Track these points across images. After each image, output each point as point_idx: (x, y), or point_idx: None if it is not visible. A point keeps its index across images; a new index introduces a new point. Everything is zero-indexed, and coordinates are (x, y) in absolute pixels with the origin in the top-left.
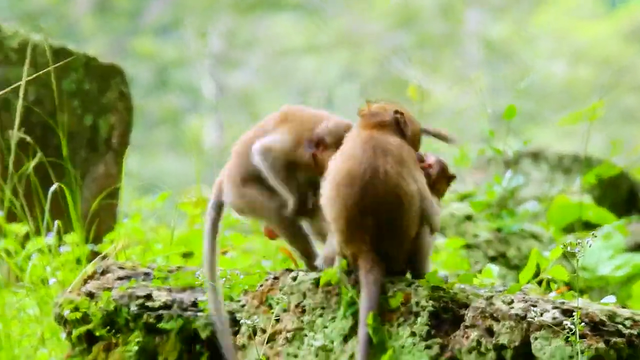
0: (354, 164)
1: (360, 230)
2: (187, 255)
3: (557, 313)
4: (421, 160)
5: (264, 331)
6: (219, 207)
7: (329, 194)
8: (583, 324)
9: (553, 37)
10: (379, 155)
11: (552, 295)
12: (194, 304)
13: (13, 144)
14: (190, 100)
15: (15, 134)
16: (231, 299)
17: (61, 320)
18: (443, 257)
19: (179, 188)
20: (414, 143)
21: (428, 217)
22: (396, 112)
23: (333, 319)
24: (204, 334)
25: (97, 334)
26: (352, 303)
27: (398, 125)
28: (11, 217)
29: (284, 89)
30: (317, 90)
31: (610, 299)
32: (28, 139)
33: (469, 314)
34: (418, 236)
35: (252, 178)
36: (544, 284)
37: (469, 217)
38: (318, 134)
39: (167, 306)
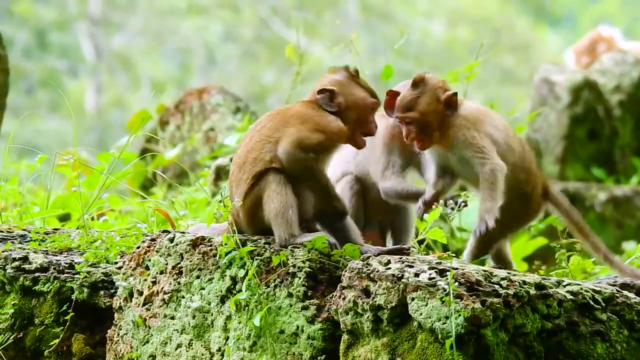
0: None
1: None
2: (63, 218)
3: (433, 273)
4: None
5: (140, 293)
6: None
7: None
8: (458, 284)
9: None
10: None
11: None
12: (71, 267)
13: None
14: (70, 62)
15: None
16: (107, 261)
17: None
18: None
19: (58, 150)
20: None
21: None
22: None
23: (210, 280)
24: (80, 296)
25: None
26: (229, 265)
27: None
28: None
29: (165, 50)
30: (199, 51)
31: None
32: None
33: (345, 275)
34: None
35: None
36: (423, 245)
37: None
38: None
39: (43, 268)
